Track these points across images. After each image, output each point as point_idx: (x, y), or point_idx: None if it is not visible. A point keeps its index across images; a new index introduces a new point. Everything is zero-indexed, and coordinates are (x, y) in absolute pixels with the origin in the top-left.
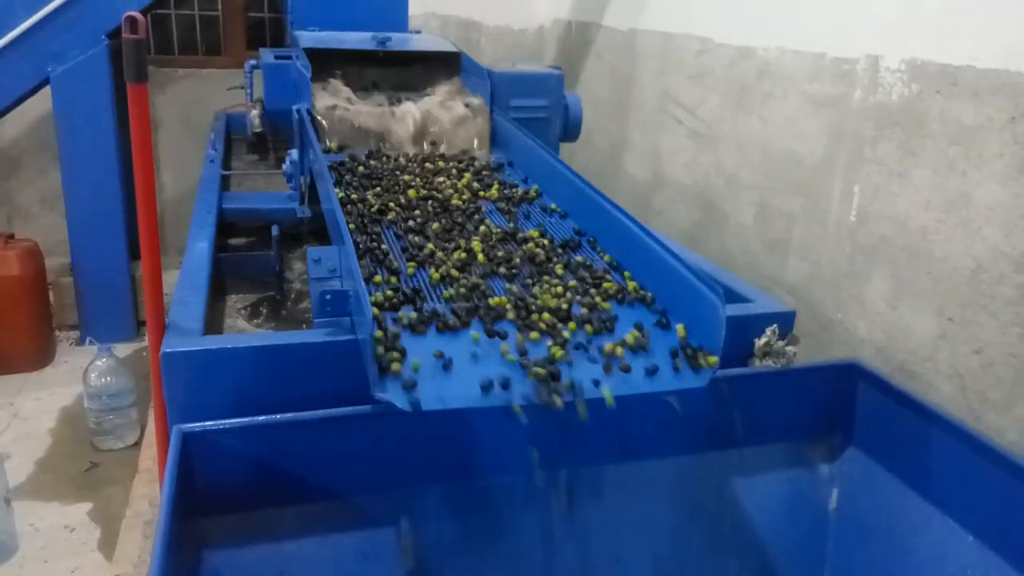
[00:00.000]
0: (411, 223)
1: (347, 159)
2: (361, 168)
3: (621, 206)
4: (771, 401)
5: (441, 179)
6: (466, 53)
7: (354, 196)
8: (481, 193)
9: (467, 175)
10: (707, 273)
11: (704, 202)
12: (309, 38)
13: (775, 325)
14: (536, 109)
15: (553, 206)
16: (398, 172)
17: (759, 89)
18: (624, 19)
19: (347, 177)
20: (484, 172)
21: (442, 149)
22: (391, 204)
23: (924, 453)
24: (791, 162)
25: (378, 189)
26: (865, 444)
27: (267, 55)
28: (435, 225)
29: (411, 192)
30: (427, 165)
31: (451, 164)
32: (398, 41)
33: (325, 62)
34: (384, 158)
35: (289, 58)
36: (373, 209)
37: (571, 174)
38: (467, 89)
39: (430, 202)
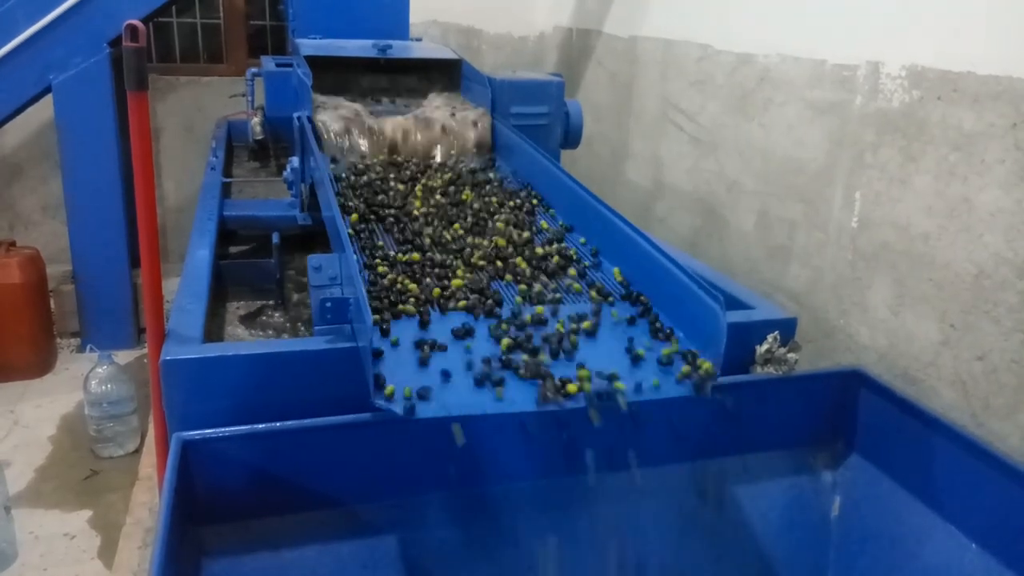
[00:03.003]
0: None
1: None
2: (388, 217)
3: (622, 213)
4: (773, 408)
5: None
6: (467, 60)
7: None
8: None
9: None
10: (707, 280)
11: (705, 209)
12: (310, 46)
13: (777, 332)
14: (537, 116)
15: (600, 254)
16: (417, 218)
17: (760, 95)
18: (624, 26)
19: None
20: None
21: (440, 156)
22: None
23: (927, 460)
24: (792, 168)
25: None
26: (868, 451)
27: (268, 63)
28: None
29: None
30: (448, 189)
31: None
32: (399, 49)
33: (326, 70)
34: (395, 186)
35: (290, 66)
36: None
37: (571, 182)
38: (467, 97)
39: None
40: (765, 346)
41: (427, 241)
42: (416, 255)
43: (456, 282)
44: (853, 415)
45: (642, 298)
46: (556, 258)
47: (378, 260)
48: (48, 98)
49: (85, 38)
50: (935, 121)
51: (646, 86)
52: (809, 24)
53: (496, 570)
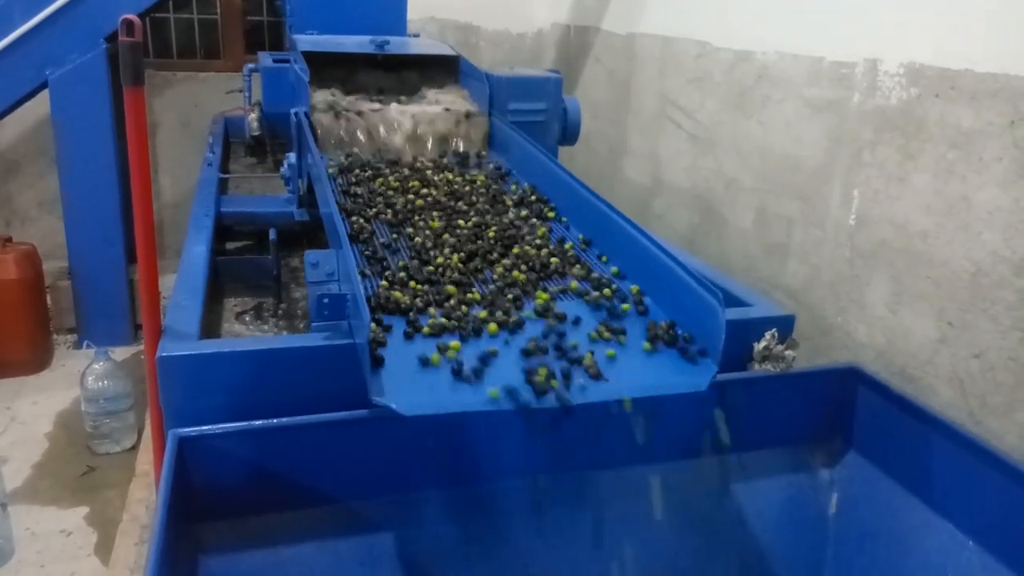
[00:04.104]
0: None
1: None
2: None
3: (620, 210)
4: (770, 405)
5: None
6: (465, 57)
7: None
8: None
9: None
10: (706, 277)
11: (703, 206)
12: (307, 42)
13: (774, 329)
14: (535, 113)
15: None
16: (423, 241)
17: (758, 93)
18: (623, 23)
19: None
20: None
21: (434, 150)
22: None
23: (924, 458)
24: (790, 166)
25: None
26: (865, 449)
27: (265, 58)
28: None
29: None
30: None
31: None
32: (397, 45)
33: (323, 65)
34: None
35: (287, 61)
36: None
37: (570, 178)
38: (466, 92)
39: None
40: (763, 343)
41: (441, 260)
42: (425, 276)
43: (491, 326)
44: (851, 412)
45: (686, 336)
46: (595, 294)
47: (385, 279)
48: (44, 94)
49: (81, 33)
50: (933, 119)
51: (644, 83)
52: (807, 21)
53: (493, 567)
